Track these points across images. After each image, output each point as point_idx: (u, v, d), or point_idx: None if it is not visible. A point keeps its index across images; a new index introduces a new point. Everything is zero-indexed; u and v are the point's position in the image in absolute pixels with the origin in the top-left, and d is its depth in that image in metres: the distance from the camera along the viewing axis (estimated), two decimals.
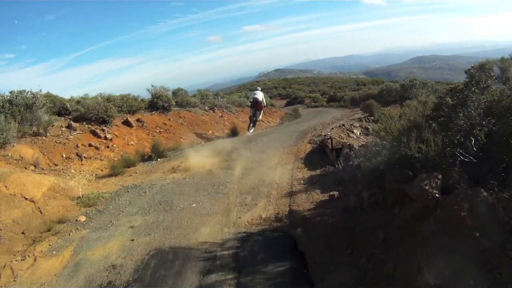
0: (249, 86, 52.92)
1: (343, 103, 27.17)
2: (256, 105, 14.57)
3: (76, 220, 6.60)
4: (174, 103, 16.43)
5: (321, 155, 9.01)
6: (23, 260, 5.33)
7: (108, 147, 11.46)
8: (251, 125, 14.96)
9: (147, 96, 16.54)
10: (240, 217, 5.91)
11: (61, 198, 7.71)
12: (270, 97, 32.16)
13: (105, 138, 11.85)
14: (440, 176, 4.16)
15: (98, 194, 7.80)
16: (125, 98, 14.86)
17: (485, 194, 3.13)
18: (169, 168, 9.38)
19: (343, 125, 13.08)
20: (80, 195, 7.82)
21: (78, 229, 6.23)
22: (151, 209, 6.62)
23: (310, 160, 8.74)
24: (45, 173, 8.93)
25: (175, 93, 19.03)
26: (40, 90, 12.06)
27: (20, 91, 11.49)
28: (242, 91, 33.98)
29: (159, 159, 10.48)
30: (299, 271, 4.28)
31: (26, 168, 8.99)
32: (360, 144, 9.53)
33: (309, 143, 10.56)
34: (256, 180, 7.62)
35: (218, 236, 5.30)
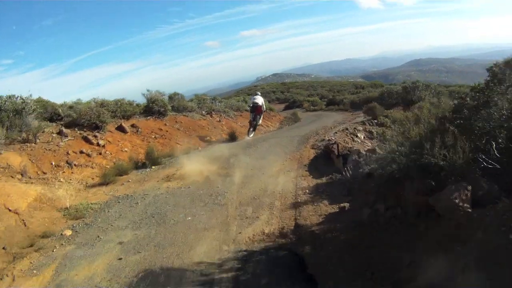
0: (247, 90, 52.91)
1: (343, 106, 26.81)
2: (256, 110, 14.27)
3: (62, 234, 6.07)
4: (170, 108, 15.93)
5: (326, 161, 8.44)
6: (1, 279, 4.82)
7: (100, 154, 10.89)
8: (251, 129, 14.67)
9: (143, 101, 16.04)
10: (240, 233, 5.32)
11: (47, 209, 7.20)
12: (269, 101, 31.74)
13: (98, 144, 11.29)
14: (469, 187, 3.63)
15: (87, 205, 7.25)
16: (119, 103, 14.32)
17: None
18: (164, 176, 8.80)
19: (347, 129, 12.54)
20: (68, 206, 7.29)
21: (62, 244, 5.69)
22: (142, 223, 6.05)
23: (314, 167, 8.18)
24: (32, 182, 8.39)
25: (171, 97, 18.54)
26: (31, 95, 11.57)
27: (9, 96, 11.01)
28: (240, 96, 33.67)
29: (153, 167, 9.93)
30: None
31: (12, 177, 8.45)
32: (366, 149, 8.98)
33: (312, 148, 10.02)
34: (257, 189, 7.04)
35: (215, 255, 4.70)
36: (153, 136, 13.33)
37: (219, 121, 17.74)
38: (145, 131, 13.47)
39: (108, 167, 10.07)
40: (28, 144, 9.94)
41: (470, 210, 3.40)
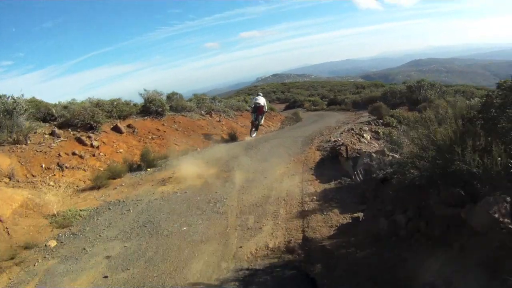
0: (247, 90, 52.66)
1: (345, 106, 26.43)
2: (258, 110, 14.19)
3: (46, 245, 5.55)
4: (168, 107, 15.43)
5: (334, 164, 7.86)
6: None
7: (94, 155, 10.36)
8: (253, 129, 14.53)
9: (141, 101, 15.56)
10: (241, 247, 4.74)
11: (34, 216, 6.70)
12: (269, 101, 31.30)
13: (91, 145, 10.76)
14: (508, 199, 3.09)
15: (75, 212, 6.72)
16: (115, 103, 13.80)
17: None
18: (159, 179, 8.27)
19: (352, 129, 12.00)
20: (55, 213, 6.74)
21: (45, 257, 5.18)
22: (133, 233, 5.49)
23: (321, 171, 7.63)
24: (20, 186, 7.92)
25: (169, 97, 18.10)
26: (22, 95, 11.08)
27: (0, 96, 10.50)
28: (240, 95, 33.37)
29: (148, 169, 9.40)
30: None
31: None
32: (374, 150, 8.44)
33: (317, 150, 9.47)
34: (260, 195, 6.49)
35: (213, 275, 4.11)
36: (150, 137, 12.79)
37: (219, 121, 17.22)
38: (142, 131, 12.93)
39: (102, 169, 9.57)
40: (19, 146, 9.47)
41: None
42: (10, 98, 10.59)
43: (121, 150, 11.13)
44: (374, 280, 3.36)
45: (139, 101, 15.51)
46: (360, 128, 12.24)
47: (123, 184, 8.34)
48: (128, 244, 5.15)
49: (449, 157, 3.45)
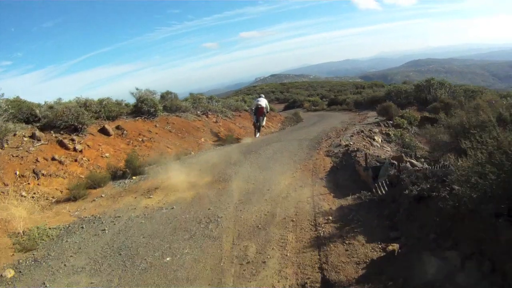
0: (246, 91, 52.28)
1: (346, 106, 25.61)
2: (258, 112, 14.05)
3: (1, 275, 4.46)
4: (161, 107, 14.38)
5: (349, 174, 6.71)
6: None
7: (76, 160, 9.27)
8: (256, 131, 14.36)
9: (134, 101, 14.53)
10: None
11: None
12: (268, 102, 30.52)
13: (74, 149, 9.67)
14: None
15: (44, 231, 5.62)
16: (103, 103, 12.72)
17: None
18: (144, 190, 7.17)
19: (362, 131, 10.91)
20: (21, 232, 5.66)
21: None
22: (104, 264, 4.36)
23: (334, 182, 6.47)
24: None
25: (163, 96, 17.12)
26: (2, 94, 10.29)
27: None
28: (239, 95, 32.70)
29: (134, 177, 8.29)
30: None
31: None
32: (391, 156, 7.37)
33: (327, 155, 8.31)
34: (262, 213, 5.32)
35: None
36: (140, 139, 11.70)
37: (216, 122, 16.17)
38: (132, 133, 11.85)
39: (83, 176, 8.50)
40: None
41: None
42: None
43: (107, 155, 10.06)
44: None
45: (133, 101, 14.54)
46: (370, 130, 11.17)
47: (103, 195, 7.24)
48: (96, 279, 4.02)
49: None
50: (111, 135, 11.29)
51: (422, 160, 9.50)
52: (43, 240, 5.40)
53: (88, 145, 10.10)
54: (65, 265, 4.49)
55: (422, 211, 3.93)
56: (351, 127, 12.52)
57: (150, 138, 12.02)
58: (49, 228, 5.73)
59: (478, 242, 2.95)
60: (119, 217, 5.79)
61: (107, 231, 5.28)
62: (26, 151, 8.87)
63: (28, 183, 7.85)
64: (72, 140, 9.99)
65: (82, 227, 5.61)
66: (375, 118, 15.00)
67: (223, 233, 4.82)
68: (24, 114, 10.85)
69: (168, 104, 15.38)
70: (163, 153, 10.81)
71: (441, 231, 3.42)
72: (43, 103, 12.50)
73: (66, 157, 9.19)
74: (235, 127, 16.37)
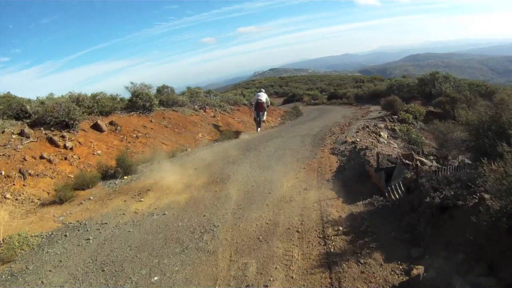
0: (245, 85, 51.88)
1: (347, 100, 25.14)
2: (258, 107, 13.86)
3: None
4: (157, 102, 13.81)
5: (358, 175, 6.09)
6: None
7: (66, 159, 8.73)
8: (257, 126, 14.19)
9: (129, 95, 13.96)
10: None
11: None
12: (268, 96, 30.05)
13: (65, 147, 9.12)
14: None
15: (25, 239, 5.10)
16: (96, 98, 12.15)
17: None
18: (136, 192, 6.63)
19: (367, 126, 10.35)
20: (0, 240, 5.13)
21: None
22: (85, 281, 3.83)
23: (342, 184, 5.88)
24: None
25: (159, 91, 16.53)
26: None
27: None
28: (237, 90, 32.19)
29: (125, 177, 7.74)
30: None
31: None
32: (401, 154, 6.86)
33: (332, 153, 7.73)
34: (263, 221, 4.75)
35: None
36: (135, 135, 11.15)
37: (214, 116, 15.59)
38: (126, 129, 11.30)
39: (72, 176, 7.97)
40: None
41: None
42: None
43: (99, 152, 9.52)
44: None
45: (129, 95, 13.98)
46: (375, 125, 10.62)
47: (91, 197, 6.69)
48: None
49: None
50: (104, 131, 10.74)
51: (431, 157, 9.02)
52: (23, 249, 4.89)
53: (79, 142, 9.56)
54: (42, 281, 3.97)
55: (447, 224, 3.41)
56: (355, 122, 11.96)
57: (145, 134, 11.48)
58: (31, 236, 5.21)
59: None
60: (106, 223, 5.24)
61: (91, 241, 4.74)
62: (14, 149, 8.35)
63: (14, 184, 7.35)
64: (63, 137, 9.45)
65: (66, 235, 5.07)
66: (379, 113, 14.45)
67: (219, 246, 4.25)
68: (14, 110, 10.31)
69: (164, 99, 14.82)
70: (158, 150, 10.28)
71: (472, 250, 2.91)
72: (35, 98, 11.97)
73: (56, 155, 8.67)
74: (234, 122, 15.82)
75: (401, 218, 4.13)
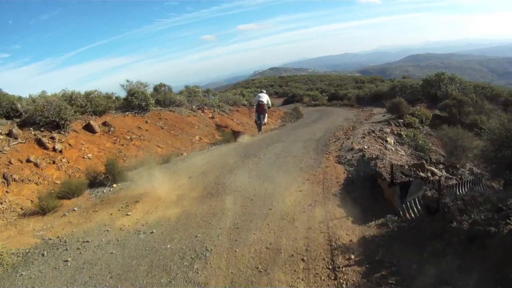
0: (244, 84, 51.77)
1: (348, 101, 24.70)
2: (259, 109, 13.62)
3: None
4: (153, 101, 13.24)
5: (369, 189, 5.47)
6: None
7: (54, 162, 8.20)
8: (258, 129, 13.92)
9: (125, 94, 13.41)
10: None
11: None
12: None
13: (54, 149, 8.60)
14: None
15: (0, 257, 4.58)
16: (90, 96, 11.61)
17: None
18: (123, 203, 6.07)
19: (373, 131, 9.81)
20: None
21: None
22: None
23: (351, 199, 5.27)
24: None
25: (156, 89, 15.98)
26: None
27: None
28: (237, 89, 31.79)
29: (115, 185, 7.20)
30: None
31: None
32: (408, 162, 6.33)
33: (338, 162, 7.16)
34: (263, 246, 4.13)
35: None
36: (129, 137, 10.61)
37: (212, 117, 15.05)
38: (120, 130, 10.76)
39: (59, 182, 7.44)
40: None
41: None
42: None
43: (90, 155, 8.99)
44: None
45: (125, 94, 13.43)
46: (381, 130, 10.08)
47: (75, 208, 6.13)
48: None
49: None
50: (97, 132, 10.20)
51: (441, 166, 8.52)
52: None
53: (69, 144, 9.04)
54: None
55: (478, 255, 2.89)
56: (359, 126, 11.39)
57: (140, 136, 10.95)
58: (6, 253, 4.69)
59: None
60: (87, 242, 4.67)
61: (69, 263, 4.18)
62: (0, 151, 7.83)
63: None
64: (52, 138, 8.92)
65: (43, 255, 4.52)
66: (383, 116, 13.91)
67: (212, 277, 3.65)
68: (4, 108, 9.74)
69: (161, 98, 14.28)
70: (152, 153, 9.76)
71: None
72: (27, 96, 11.38)
73: (44, 158, 8.15)
74: (233, 123, 15.28)
75: (422, 245, 3.56)
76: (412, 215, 4.27)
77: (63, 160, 8.43)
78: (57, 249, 4.64)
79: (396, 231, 4.12)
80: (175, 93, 16.48)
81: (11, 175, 7.21)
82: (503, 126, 5.07)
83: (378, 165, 5.92)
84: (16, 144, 8.25)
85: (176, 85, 18.26)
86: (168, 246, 4.32)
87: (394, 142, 9.21)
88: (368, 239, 4.10)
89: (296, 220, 4.79)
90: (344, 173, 6.51)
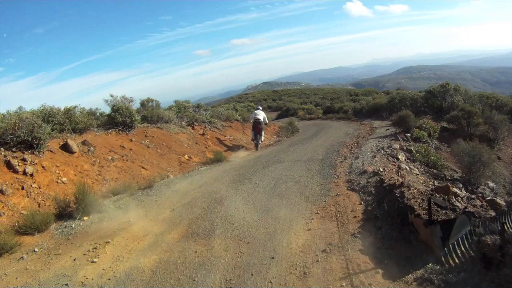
0: (237, 98, 51.58)
1: (344, 114, 23.78)
2: (256, 128, 13.32)
3: None
4: (139, 118, 12.23)
5: (397, 226, 4.30)
6: None
7: (23, 188, 7.10)
8: (255, 147, 13.31)
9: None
10: None
11: None
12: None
13: (24, 173, 7.52)
14: None
15: None
16: (69, 113, 10.56)
17: None
18: (92, 243, 4.95)
19: (382, 148, 8.77)
20: None
21: None
22: None
23: (377, 241, 4.12)
24: None
25: (143, 104, 15.00)
26: None
27: None
28: (230, 103, 31.14)
29: (86, 217, 6.08)
30: None
31: None
32: (432, 187, 5.30)
33: (351, 189, 6.01)
34: None
35: None
36: (110, 158, 9.54)
37: (203, 134, 14.01)
38: (100, 150, 9.69)
39: (25, 212, 6.33)
40: None
41: None
42: None
43: (64, 180, 7.91)
44: None
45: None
46: (389, 146, 9.06)
47: (36, 249, 4.98)
48: None
49: None
50: (75, 152, 9.13)
51: (460, 185, 7.55)
52: None
53: (43, 167, 7.96)
54: None
55: None
56: (364, 142, 10.36)
57: (123, 156, 9.89)
58: None
59: None
60: None
61: None
62: None
63: None
64: (24, 160, 7.85)
65: None
66: (386, 129, 12.92)
67: None
68: None
69: (148, 114, 13.28)
70: (135, 176, 8.70)
71: None
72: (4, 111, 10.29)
73: (12, 184, 7.07)
74: (226, 140, 14.28)
75: None
76: (456, 260, 3.20)
77: (34, 185, 7.36)
78: None
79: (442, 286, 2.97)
80: (164, 109, 15.61)
81: None
82: None
83: (406, 195, 4.74)
84: None
85: (168, 100, 17.47)
86: None
87: (405, 160, 8.21)
88: None
89: (308, 275, 3.62)
90: (360, 204, 5.37)
